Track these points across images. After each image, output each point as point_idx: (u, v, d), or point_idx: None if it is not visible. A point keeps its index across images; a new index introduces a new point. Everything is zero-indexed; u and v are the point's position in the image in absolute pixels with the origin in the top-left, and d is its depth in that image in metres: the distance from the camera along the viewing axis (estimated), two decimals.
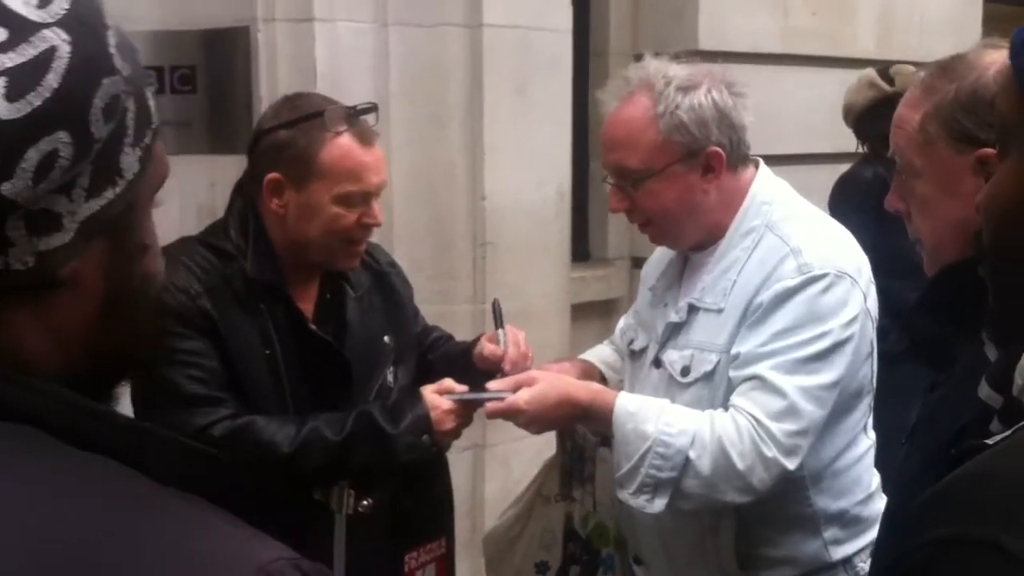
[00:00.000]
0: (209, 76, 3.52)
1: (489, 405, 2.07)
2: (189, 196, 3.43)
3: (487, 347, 2.29)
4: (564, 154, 3.78)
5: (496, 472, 3.77)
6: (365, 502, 2.17)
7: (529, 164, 3.68)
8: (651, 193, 2.08)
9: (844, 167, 4.48)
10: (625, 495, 2.03)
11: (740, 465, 1.94)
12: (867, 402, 2.14)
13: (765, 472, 1.95)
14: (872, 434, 2.21)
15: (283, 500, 2.14)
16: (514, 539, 2.38)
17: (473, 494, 3.79)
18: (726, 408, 2.00)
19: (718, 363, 2.04)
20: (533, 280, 3.78)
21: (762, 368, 1.96)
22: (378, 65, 3.48)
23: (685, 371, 2.09)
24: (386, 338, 2.35)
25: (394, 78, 3.50)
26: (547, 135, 3.72)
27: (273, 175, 2.12)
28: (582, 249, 4.76)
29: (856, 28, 5.45)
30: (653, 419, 1.99)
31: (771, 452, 1.94)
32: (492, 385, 2.11)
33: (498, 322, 2.30)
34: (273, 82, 3.38)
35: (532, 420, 2.07)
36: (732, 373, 2.01)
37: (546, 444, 2.45)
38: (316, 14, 3.37)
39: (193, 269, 2.13)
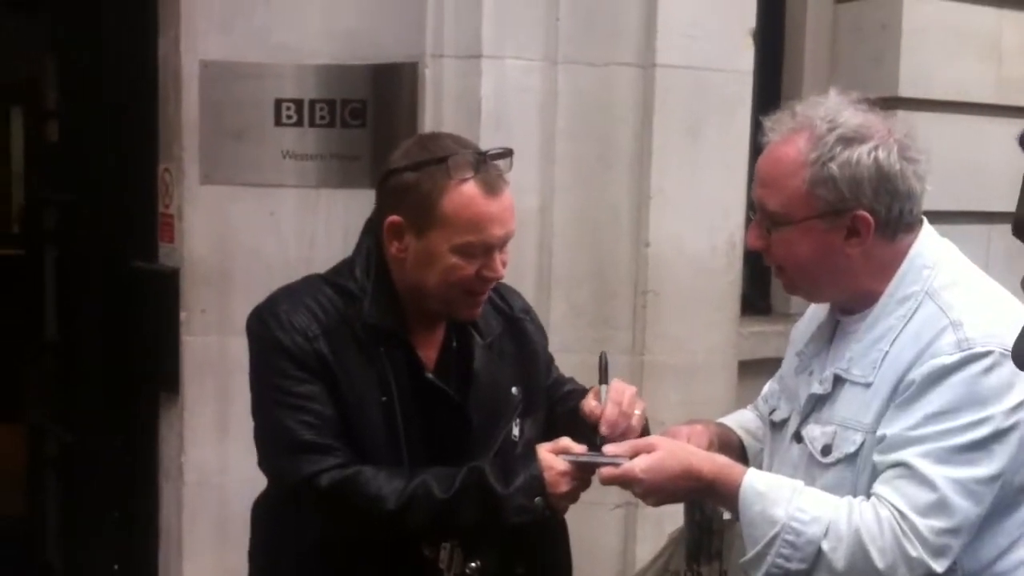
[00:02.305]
0: (377, 111, 3.51)
1: (604, 470, 1.92)
2: (353, 230, 3.41)
3: (588, 403, 2.12)
4: (738, 202, 3.57)
5: (649, 532, 3.57)
6: (473, 564, 2.05)
7: (698, 211, 3.51)
8: (785, 240, 1.88)
9: None
10: None
11: (880, 563, 1.72)
12: None
13: (908, 573, 1.72)
14: None
15: (391, 555, 2.06)
16: None
17: (624, 554, 3.62)
18: (869, 496, 1.78)
19: (863, 444, 1.82)
20: (698, 333, 3.60)
21: (910, 455, 1.74)
22: (545, 103, 3.40)
23: (826, 450, 1.87)
24: (514, 389, 2.22)
25: (561, 117, 3.41)
26: (719, 181, 3.53)
27: (394, 218, 2.04)
28: (763, 303, 4.54)
29: None
30: (784, 502, 1.79)
31: (916, 551, 1.71)
32: (609, 449, 1.95)
33: (602, 376, 2.13)
34: (438, 118, 3.34)
35: (649, 491, 1.90)
36: (877, 458, 1.79)
37: None
38: (485, 51, 3.32)
39: (313, 309, 2.07)
